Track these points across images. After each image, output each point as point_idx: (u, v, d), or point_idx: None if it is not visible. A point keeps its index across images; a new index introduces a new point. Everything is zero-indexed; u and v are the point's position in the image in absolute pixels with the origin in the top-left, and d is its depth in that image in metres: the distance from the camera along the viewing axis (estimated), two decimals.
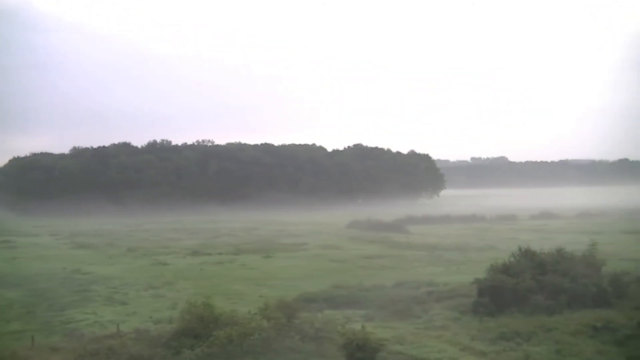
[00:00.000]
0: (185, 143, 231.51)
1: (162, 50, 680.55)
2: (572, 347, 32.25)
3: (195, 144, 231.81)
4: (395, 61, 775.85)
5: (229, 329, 28.47)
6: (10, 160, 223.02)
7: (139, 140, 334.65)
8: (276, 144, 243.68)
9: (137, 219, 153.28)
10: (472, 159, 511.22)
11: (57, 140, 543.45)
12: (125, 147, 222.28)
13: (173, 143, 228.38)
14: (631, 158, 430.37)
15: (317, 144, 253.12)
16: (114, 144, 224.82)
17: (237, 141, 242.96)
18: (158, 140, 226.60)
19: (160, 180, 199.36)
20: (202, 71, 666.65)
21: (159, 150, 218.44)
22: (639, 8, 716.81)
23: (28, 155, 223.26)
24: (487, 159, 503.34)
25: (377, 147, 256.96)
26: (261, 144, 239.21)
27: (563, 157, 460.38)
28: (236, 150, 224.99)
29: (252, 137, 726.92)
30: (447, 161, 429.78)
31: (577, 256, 45.60)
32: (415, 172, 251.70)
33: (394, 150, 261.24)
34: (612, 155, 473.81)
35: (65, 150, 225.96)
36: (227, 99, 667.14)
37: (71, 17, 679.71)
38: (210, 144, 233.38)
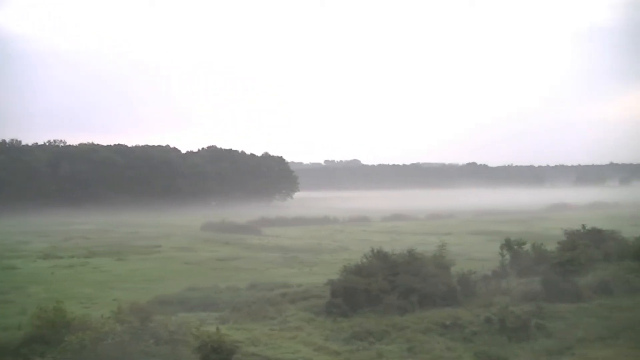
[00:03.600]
0: (36, 143, 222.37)
1: (11, 44, 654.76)
2: (423, 345, 33.21)
3: (47, 144, 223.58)
4: (250, 63, 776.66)
5: (82, 334, 27.63)
6: None
7: None
8: (129, 144, 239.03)
9: None
10: (326, 161, 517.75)
11: None
12: None
13: (23, 143, 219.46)
14: (478, 162, 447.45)
15: (171, 146, 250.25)
16: None
17: (90, 142, 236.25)
18: (7, 140, 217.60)
19: (9, 181, 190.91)
20: (53, 68, 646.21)
21: (8, 150, 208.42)
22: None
23: None
24: (341, 161, 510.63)
25: (231, 149, 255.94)
26: (114, 145, 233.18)
27: (415, 161, 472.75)
28: (89, 151, 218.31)
29: (105, 138, 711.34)
30: (300, 163, 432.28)
31: (428, 257, 46.86)
32: (269, 174, 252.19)
33: (248, 152, 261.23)
34: (462, 159, 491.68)
35: None
36: (79, 98, 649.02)
37: None
38: (62, 144, 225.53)
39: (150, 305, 36.39)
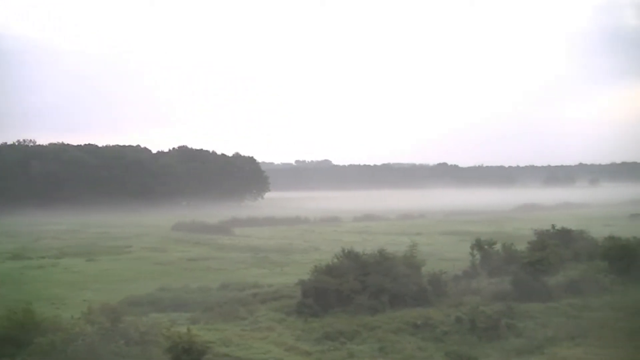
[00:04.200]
0: (5, 143, 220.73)
1: None
2: (394, 345, 33.26)
3: (16, 143, 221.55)
4: (220, 63, 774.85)
5: (52, 335, 27.51)
6: None
7: None
8: (100, 144, 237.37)
9: None
10: (297, 161, 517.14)
11: None
12: None
13: None
14: (449, 162, 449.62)
15: (142, 146, 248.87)
16: None
17: (60, 141, 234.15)
18: None
19: None
20: (21, 66, 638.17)
21: None
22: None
23: None
24: (312, 162, 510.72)
25: (202, 149, 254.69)
26: (85, 145, 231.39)
27: (385, 161, 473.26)
28: (59, 151, 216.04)
29: (76, 138, 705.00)
30: (271, 164, 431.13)
31: (399, 257, 46.91)
32: (240, 174, 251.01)
33: (218, 152, 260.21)
34: (433, 160, 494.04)
35: None
36: (49, 96, 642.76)
37: None
38: (32, 144, 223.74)
39: (121, 306, 36.16)
